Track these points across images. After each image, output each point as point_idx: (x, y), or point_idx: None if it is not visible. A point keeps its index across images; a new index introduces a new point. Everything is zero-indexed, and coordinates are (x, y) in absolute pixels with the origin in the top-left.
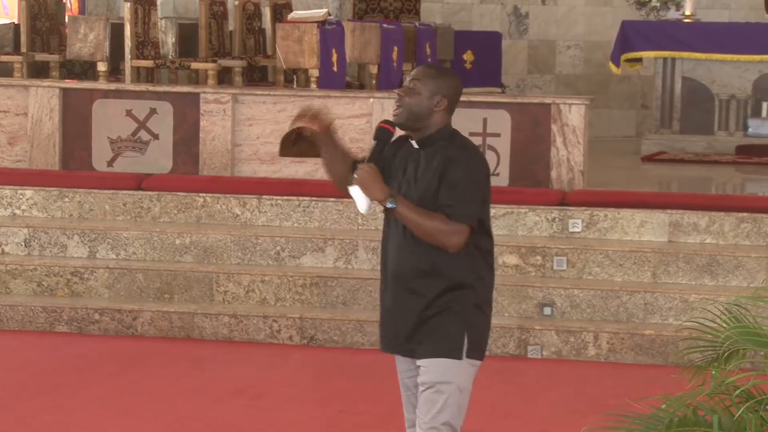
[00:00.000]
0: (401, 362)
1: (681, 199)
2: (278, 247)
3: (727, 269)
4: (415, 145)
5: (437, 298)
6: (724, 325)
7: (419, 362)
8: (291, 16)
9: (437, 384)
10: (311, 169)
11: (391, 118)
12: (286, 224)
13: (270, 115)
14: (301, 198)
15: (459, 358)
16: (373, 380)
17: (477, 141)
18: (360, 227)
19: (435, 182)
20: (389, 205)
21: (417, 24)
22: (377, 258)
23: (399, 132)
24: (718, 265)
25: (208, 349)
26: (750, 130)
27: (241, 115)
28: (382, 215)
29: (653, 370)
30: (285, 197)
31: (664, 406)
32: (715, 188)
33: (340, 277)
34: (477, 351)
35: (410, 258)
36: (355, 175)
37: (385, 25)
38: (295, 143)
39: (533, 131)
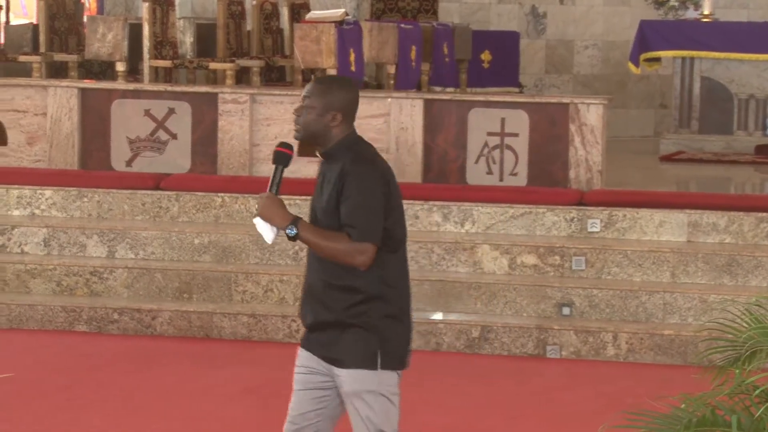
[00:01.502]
0: (309, 359)
1: (700, 199)
2: (297, 247)
3: (747, 269)
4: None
5: (347, 310)
6: (744, 325)
7: (338, 372)
8: (309, 15)
9: (360, 393)
10: None
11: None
12: None
13: (288, 114)
14: None
15: (374, 368)
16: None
17: (495, 141)
18: None
19: (334, 197)
20: (289, 232)
21: (435, 24)
22: None
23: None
24: (738, 265)
25: (226, 349)
26: None
27: (259, 115)
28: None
29: (672, 370)
30: (303, 197)
31: (683, 405)
32: (734, 188)
33: None
34: (392, 361)
35: (320, 272)
36: (256, 206)
37: (402, 25)
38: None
39: (551, 131)
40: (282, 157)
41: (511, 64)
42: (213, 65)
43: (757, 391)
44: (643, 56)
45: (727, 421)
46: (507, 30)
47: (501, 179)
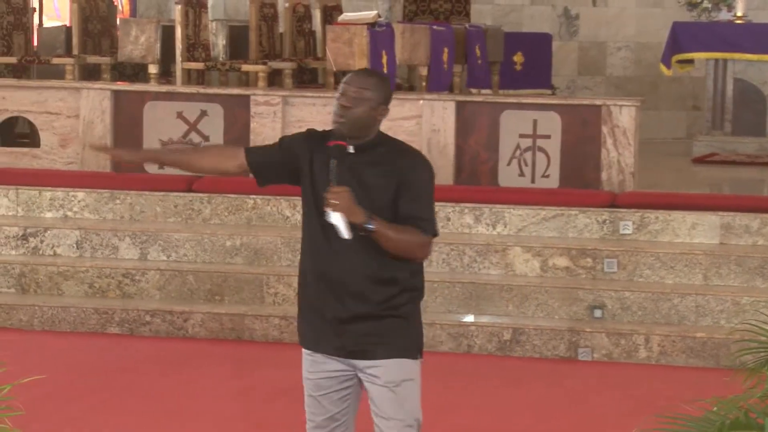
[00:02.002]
0: (322, 363)
1: (732, 200)
2: None
3: None
4: (350, 150)
5: (387, 302)
6: None
7: (378, 362)
8: (341, 18)
9: (402, 382)
10: None
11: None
12: None
13: (320, 116)
14: None
15: (416, 357)
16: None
17: (527, 143)
18: None
19: (392, 191)
20: (369, 227)
21: (467, 25)
22: (427, 260)
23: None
24: None
25: (258, 351)
26: None
27: (291, 117)
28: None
29: (704, 372)
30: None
31: (715, 408)
32: (767, 190)
33: None
34: (421, 349)
35: (359, 265)
36: (333, 201)
37: (434, 27)
38: None
39: (583, 133)
40: (340, 150)
41: (543, 65)
42: (245, 67)
43: None
44: (675, 58)
45: (760, 424)
46: (539, 32)
47: (533, 181)
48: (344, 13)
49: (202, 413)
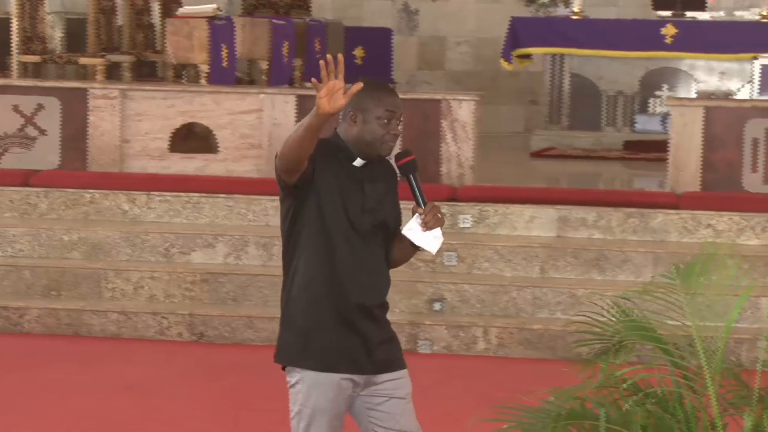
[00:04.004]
0: (344, 383)
1: (569, 194)
2: (168, 243)
3: (615, 264)
4: (358, 163)
5: (385, 313)
6: (612, 319)
7: (397, 374)
8: (180, 11)
9: (410, 393)
10: (201, 165)
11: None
12: (175, 220)
13: (159, 110)
14: (190, 194)
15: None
16: (263, 376)
17: None
18: (250, 223)
19: (396, 200)
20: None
21: (307, 20)
22: (268, 254)
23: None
24: (606, 259)
25: (96, 346)
26: (637, 126)
27: (130, 111)
28: (271, 211)
29: (542, 364)
30: (174, 193)
31: (552, 399)
32: (603, 184)
33: (231, 273)
34: None
35: (384, 281)
36: (438, 216)
37: (275, 21)
38: (185, 139)
39: (424, 127)
40: (413, 165)
41: (383, 60)
42: (83, 60)
43: (625, 385)
44: (514, 53)
45: (596, 414)
46: (380, 26)
47: None
48: (184, 6)
49: (45, 411)
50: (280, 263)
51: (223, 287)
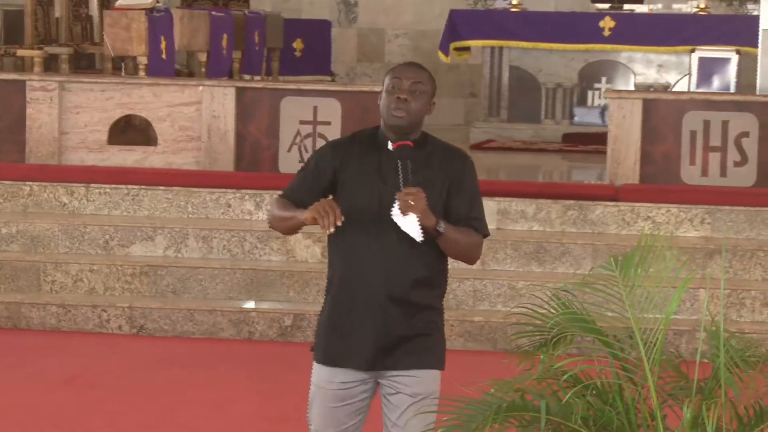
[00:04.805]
0: (342, 373)
1: (509, 186)
2: (107, 236)
3: (554, 256)
4: (391, 146)
5: (426, 308)
6: (551, 311)
7: (410, 372)
8: (119, 3)
9: (430, 395)
10: (140, 157)
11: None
12: (115, 213)
13: (98, 103)
14: (130, 186)
15: (442, 368)
16: (203, 369)
17: (308, 129)
18: (190, 216)
19: (444, 192)
20: (440, 229)
21: (246, 12)
22: (207, 247)
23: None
24: (545, 252)
25: (35, 339)
26: (576, 118)
27: (68, 103)
28: (211, 204)
29: (482, 356)
30: (113, 185)
31: (492, 390)
32: (543, 176)
33: (170, 266)
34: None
35: (407, 269)
36: (409, 203)
37: (214, 13)
38: (124, 131)
39: (363, 119)
40: (407, 150)
41: (323, 52)
42: (21, 52)
43: (565, 376)
44: (452, 45)
45: (536, 406)
46: (319, 19)
47: None
48: None
49: None
50: (219, 256)
51: (162, 280)
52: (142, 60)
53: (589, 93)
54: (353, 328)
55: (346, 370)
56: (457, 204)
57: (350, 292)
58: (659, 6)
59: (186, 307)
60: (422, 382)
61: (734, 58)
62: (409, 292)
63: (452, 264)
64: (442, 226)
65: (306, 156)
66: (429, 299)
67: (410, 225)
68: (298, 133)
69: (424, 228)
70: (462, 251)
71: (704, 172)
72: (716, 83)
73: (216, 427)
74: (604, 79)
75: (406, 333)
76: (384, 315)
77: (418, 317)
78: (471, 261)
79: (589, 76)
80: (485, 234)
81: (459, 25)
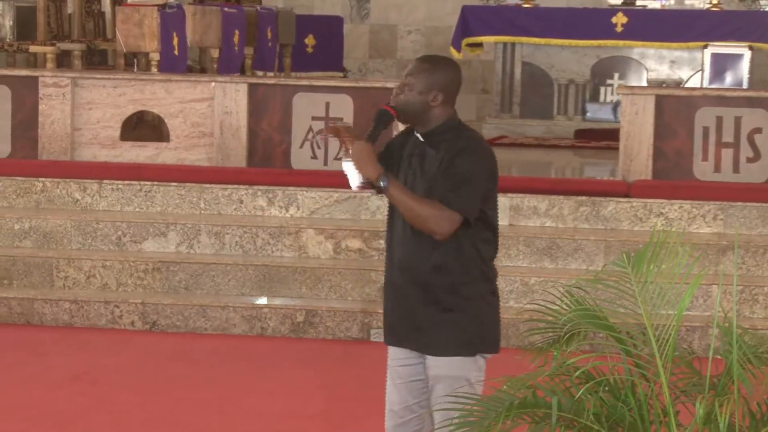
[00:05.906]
0: (397, 351)
1: (521, 182)
2: (119, 232)
3: (567, 252)
4: (420, 138)
5: (447, 293)
6: (564, 307)
7: (430, 357)
8: None
9: (451, 379)
10: (152, 153)
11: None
12: (127, 209)
13: (110, 99)
14: (142, 182)
15: (470, 354)
16: (215, 365)
17: (320, 125)
18: (203, 212)
19: (440, 174)
20: (381, 184)
21: (258, 8)
22: (220, 242)
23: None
24: (558, 248)
25: (48, 336)
26: (588, 114)
27: (81, 99)
28: (223, 200)
29: None
30: (126, 182)
31: (505, 387)
32: (555, 172)
33: (183, 262)
34: (489, 344)
35: (425, 254)
36: (349, 151)
37: (225, 9)
38: (136, 127)
39: None
40: (384, 115)
41: (335, 48)
42: (33, 48)
43: (577, 373)
44: (465, 41)
45: (548, 403)
46: (331, 15)
47: (325, 164)
48: None
49: None
50: (231, 252)
51: (175, 276)
52: (155, 56)
53: (602, 89)
54: (391, 308)
55: (398, 348)
56: (441, 182)
57: (387, 274)
58: (672, 2)
59: (198, 303)
60: (439, 366)
61: (747, 54)
62: (428, 278)
63: None
64: (384, 182)
65: (318, 152)
66: (451, 285)
67: (348, 170)
68: (311, 129)
69: (368, 181)
70: (412, 216)
71: (717, 168)
72: (729, 79)
73: (228, 423)
74: (616, 75)
75: (429, 317)
76: (408, 298)
77: (439, 303)
78: (425, 228)
79: (602, 72)
80: (458, 208)
81: (471, 21)
